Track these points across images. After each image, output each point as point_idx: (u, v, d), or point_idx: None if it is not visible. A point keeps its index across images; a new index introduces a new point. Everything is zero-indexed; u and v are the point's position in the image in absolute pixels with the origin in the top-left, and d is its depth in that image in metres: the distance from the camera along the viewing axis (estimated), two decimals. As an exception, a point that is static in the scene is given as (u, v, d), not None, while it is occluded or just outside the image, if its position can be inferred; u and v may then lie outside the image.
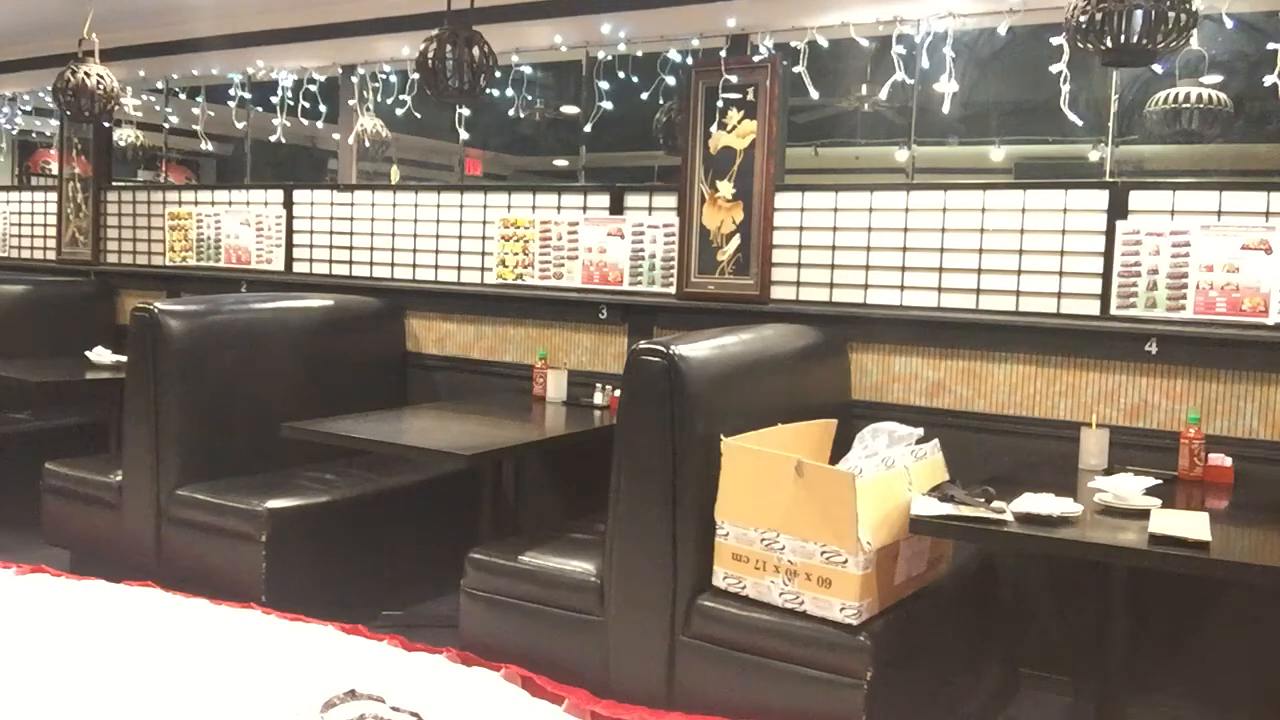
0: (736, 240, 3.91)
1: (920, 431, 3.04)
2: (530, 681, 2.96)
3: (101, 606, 3.45)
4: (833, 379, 3.68)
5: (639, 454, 2.90)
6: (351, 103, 5.10)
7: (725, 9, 3.88)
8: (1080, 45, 2.84)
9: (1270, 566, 2.46)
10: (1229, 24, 3.20)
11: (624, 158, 5.96)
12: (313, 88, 5.06)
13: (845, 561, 2.62)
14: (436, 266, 4.73)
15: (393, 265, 4.86)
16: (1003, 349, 3.53)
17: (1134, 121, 3.96)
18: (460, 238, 4.65)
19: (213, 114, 5.67)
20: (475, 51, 3.74)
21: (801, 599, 2.69)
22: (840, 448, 3.17)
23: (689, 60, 4.07)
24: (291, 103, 5.10)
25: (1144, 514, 2.55)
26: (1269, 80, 3.11)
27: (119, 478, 3.95)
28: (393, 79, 4.90)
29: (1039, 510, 2.49)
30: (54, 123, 6.47)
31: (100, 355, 4.88)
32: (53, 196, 6.19)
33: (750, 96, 3.85)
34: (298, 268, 5.15)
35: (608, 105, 4.31)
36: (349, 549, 3.81)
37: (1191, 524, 2.42)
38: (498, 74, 3.99)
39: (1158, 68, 3.52)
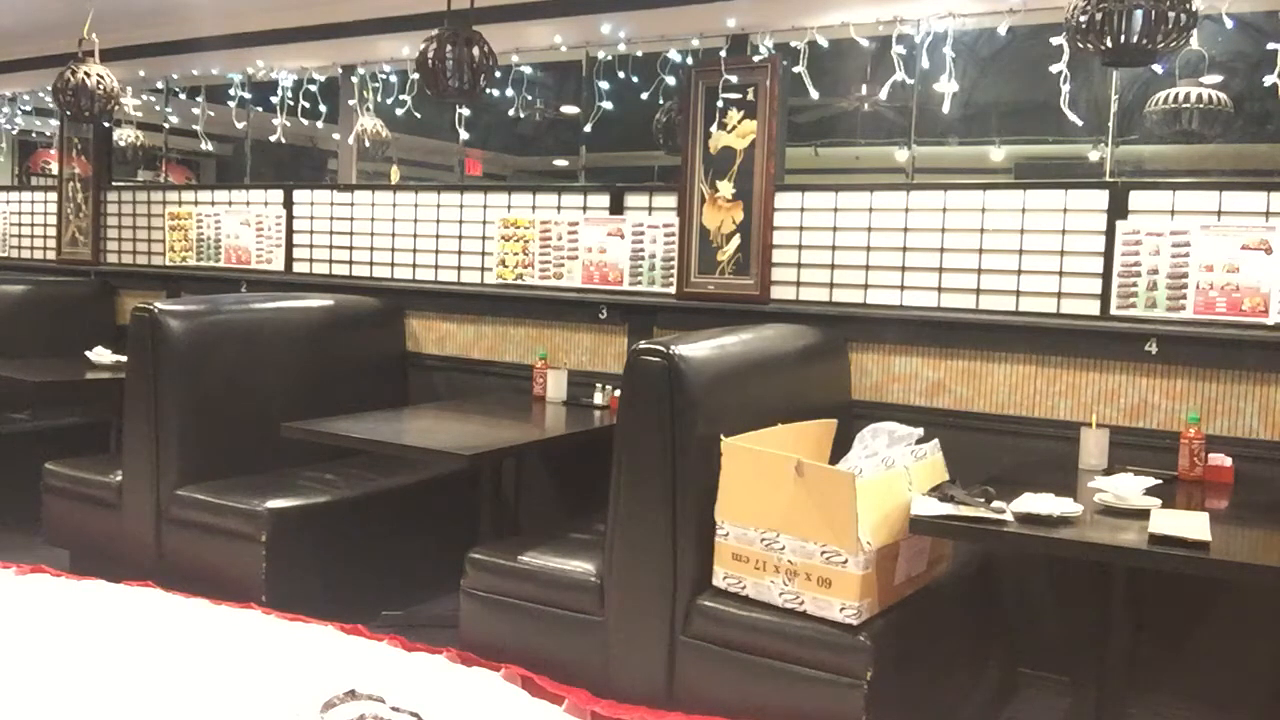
0: (736, 240, 3.91)
1: (920, 431, 3.04)
2: (530, 681, 2.96)
3: (101, 606, 3.44)
4: (833, 379, 3.68)
5: (639, 454, 2.90)
6: (351, 103, 5.10)
7: (725, 9, 3.88)
8: (1080, 45, 2.84)
9: (1270, 566, 2.46)
10: (1229, 24, 3.20)
11: (624, 158, 5.95)
12: (313, 88, 5.06)
13: (845, 561, 2.62)
14: (436, 266, 4.73)
15: (393, 265, 4.85)
16: (1003, 349, 3.53)
17: (1134, 121, 3.96)
18: (460, 238, 4.65)
19: (213, 114, 5.66)
20: (475, 51, 3.74)
21: (801, 599, 2.69)
22: (840, 448, 3.16)
23: (689, 60, 4.06)
24: (291, 103, 5.10)
25: (1144, 514, 2.55)
26: (1269, 80, 3.11)
27: (119, 478, 3.95)
28: (393, 79, 4.90)
29: (1039, 510, 2.49)
30: (54, 123, 6.46)
31: (100, 355, 4.88)
32: (53, 196, 6.19)
33: (750, 96, 3.85)
34: (298, 268, 5.15)
35: (608, 105, 4.31)
36: (349, 549, 3.81)
37: (1191, 524, 2.42)
38: (498, 74, 3.99)
39: (1158, 68, 3.52)
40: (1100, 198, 3.36)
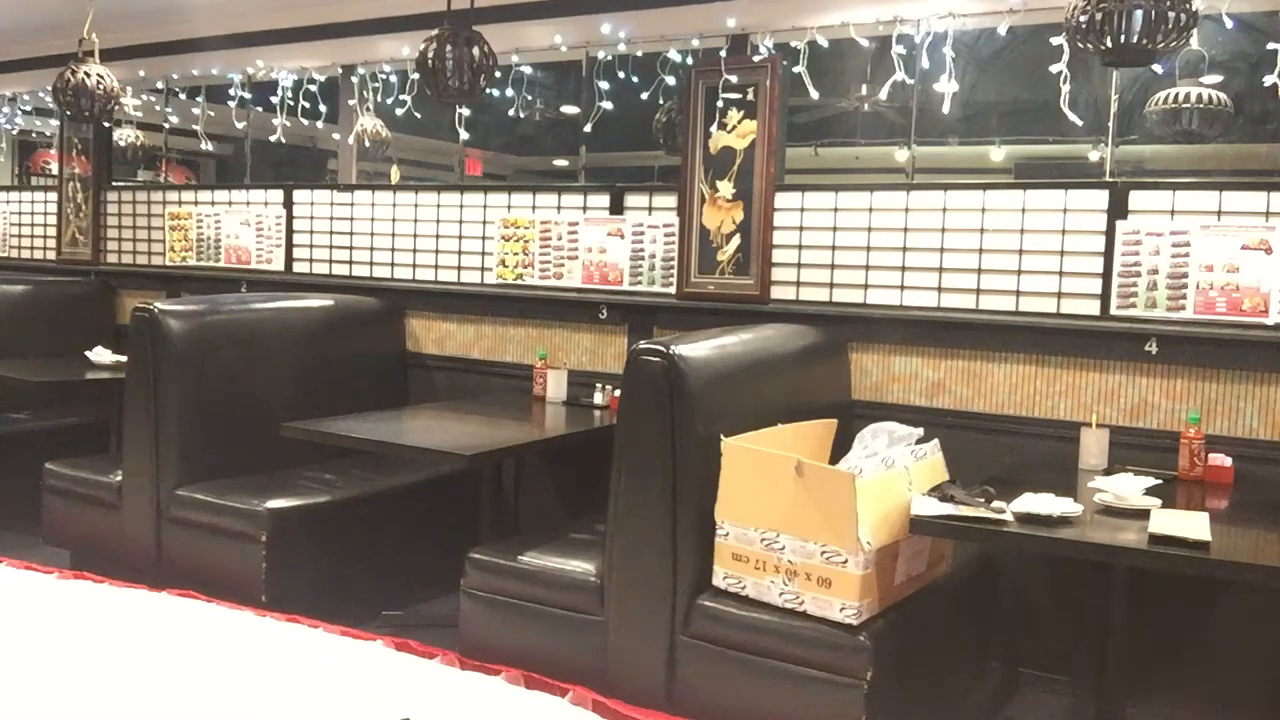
0: (736, 240, 3.91)
1: (920, 431, 3.04)
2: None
3: (99, 607, 3.43)
4: (833, 379, 3.68)
5: (639, 454, 2.90)
6: (351, 103, 5.10)
7: (725, 9, 3.88)
8: (1080, 45, 2.84)
9: (1270, 566, 2.46)
10: (1229, 24, 3.20)
11: (624, 158, 5.96)
12: (313, 88, 5.06)
13: (845, 561, 2.62)
14: (436, 266, 4.73)
15: (393, 265, 4.85)
16: (1003, 349, 3.53)
17: (1134, 121, 3.96)
18: (460, 238, 4.65)
19: (213, 114, 5.67)
20: (475, 51, 3.74)
21: (801, 599, 2.69)
22: (840, 448, 3.16)
23: (689, 60, 4.06)
24: (291, 103, 5.10)
25: (1144, 514, 2.55)
26: (1269, 80, 3.11)
27: (119, 478, 3.95)
28: (393, 79, 4.90)
29: (1039, 510, 2.49)
30: (54, 123, 6.46)
31: (100, 355, 4.88)
32: (53, 196, 6.19)
33: (750, 96, 3.85)
34: (298, 268, 5.15)
35: (608, 105, 4.31)
36: (349, 549, 3.81)
37: (1191, 524, 2.42)
38: (498, 74, 3.99)
39: (1158, 68, 3.52)
40: (1100, 198, 3.36)
